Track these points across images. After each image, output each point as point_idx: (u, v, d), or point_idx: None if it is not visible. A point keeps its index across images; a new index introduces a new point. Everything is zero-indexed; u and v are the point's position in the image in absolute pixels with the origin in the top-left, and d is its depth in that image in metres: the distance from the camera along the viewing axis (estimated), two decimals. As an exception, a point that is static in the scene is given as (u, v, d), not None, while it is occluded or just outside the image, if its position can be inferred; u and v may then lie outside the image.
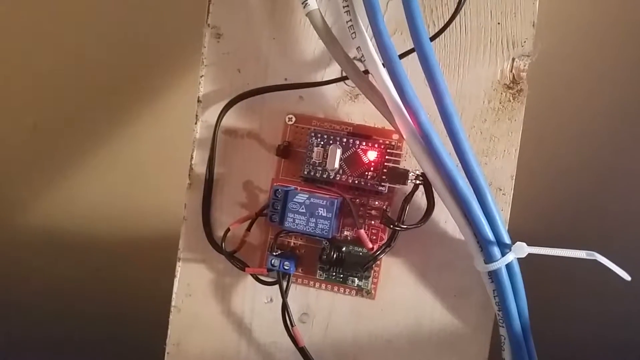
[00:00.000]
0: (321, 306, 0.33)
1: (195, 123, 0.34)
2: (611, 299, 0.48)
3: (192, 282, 0.34)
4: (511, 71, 0.31)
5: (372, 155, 0.30)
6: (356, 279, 0.32)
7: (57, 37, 0.56)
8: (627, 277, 0.26)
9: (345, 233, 0.32)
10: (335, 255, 0.31)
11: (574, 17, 0.47)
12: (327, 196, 0.30)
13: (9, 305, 0.58)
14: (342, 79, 0.32)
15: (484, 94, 0.31)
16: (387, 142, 0.31)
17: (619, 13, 0.46)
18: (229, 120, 0.33)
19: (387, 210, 0.31)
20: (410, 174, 0.29)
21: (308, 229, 0.30)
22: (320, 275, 0.32)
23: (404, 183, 0.29)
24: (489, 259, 0.28)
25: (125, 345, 0.56)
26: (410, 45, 0.28)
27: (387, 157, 0.30)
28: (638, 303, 0.49)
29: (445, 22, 0.30)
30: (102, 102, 0.56)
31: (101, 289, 0.57)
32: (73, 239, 0.58)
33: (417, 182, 0.29)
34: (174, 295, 0.34)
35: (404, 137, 0.28)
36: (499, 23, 0.31)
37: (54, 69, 0.57)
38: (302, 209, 0.30)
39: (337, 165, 0.30)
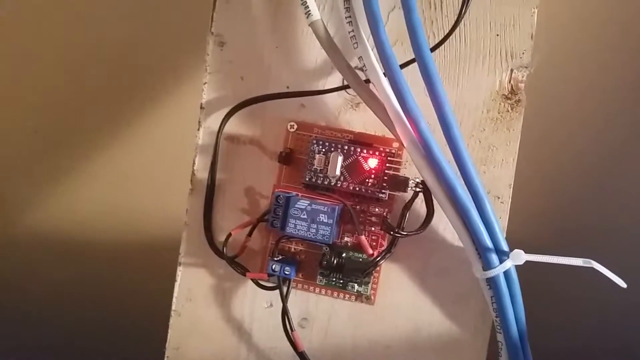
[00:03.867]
0: (321, 311, 0.33)
1: (198, 129, 0.34)
2: (608, 306, 0.49)
3: (192, 286, 0.34)
4: (509, 82, 0.32)
5: (372, 162, 0.31)
6: (356, 284, 0.32)
7: (59, 42, 0.56)
8: (623, 285, 0.27)
9: (346, 239, 0.32)
10: (335, 261, 0.31)
11: (572, 29, 0.47)
12: (328, 203, 0.31)
13: (7, 309, 0.58)
14: (343, 87, 0.32)
15: (483, 104, 0.32)
16: (388, 150, 0.31)
17: (616, 25, 0.47)
18: (232, 127, 0.34)
19: (387, 217, 0.32)
20: (410, 182, 0.30)
21: (309, 234, 0.31)
22: (321, 280, 0.32)
23: (404, 190, 0.30)
24: (487, 266, 0.29)
25: (125, 349, 0.56)
26: (410, 55, 0.29)
27: (387, 164, 0.31)
28: (635, 310, 0.49)
29: (446, 33, 0.31)
30: (104, 107, 0.56)
31: (101, 293, 0.57)
32: (74, 244, 0.58)
33: (417, 189, 0.30)
34: (174, 300, 0.34)
35: (404, 145, 0.29)
36: (497, 35, 0.31)
37: (55, 74, 0.57)
38: (304, 215, 0.31)
39: (338, 172, 0.31)
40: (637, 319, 0.50)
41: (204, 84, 0.34)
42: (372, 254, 0.31)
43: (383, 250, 0.31)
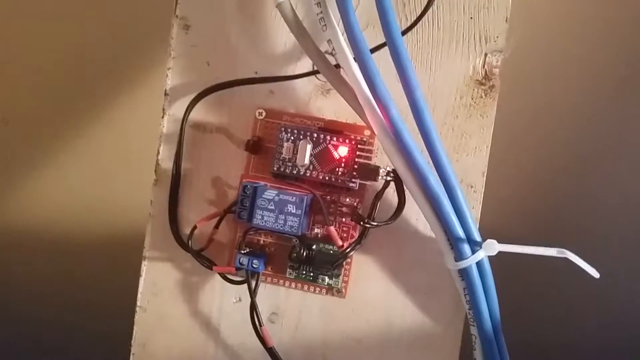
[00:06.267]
0: (291, 305, 0.32)
1: (162, 117, 0.33)
2: (583, 295, 0.49)
3: (158, 281, 0.33)
4: (483, 67, 0.31)
5: (343, 151, 0.30)
6: (326, 277, 0.31)
7: (25, 33, 0.55)
8: (596, 275, 0.26)
9: (316, 230, 0.31)
10: (305, 253, 0.30)
11: (547, 12, 0.47)
12: (297, 192, 0.30)
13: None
14: (313, 72, 0.31)
15: (456, 89, 0.31)
16: (359, 138, 0.30)
17: (592, 8, 0.47)
18: (197, 114, 0.32)
19: (358, 207, 0.31)
20: (381, 171, 0.29)
21: (277, 226, 0.29)
22: (290, 274, 0.31)
23: (375, 179, 0.29)
24: (459, 256, 0.28)
25: (91, 346, 0.55)
26: (382, 39, 0.28)
27: (358, 153, 0.30)
28: (609, 300, 0.49)
29: (418, 16, 0.30)
30: (70, 97, 0.55)
31: (68, 287, 0.56)
32: (39, 237, 0.56)
33: (388, 178, 0.29)
34: (139, 295, 0.33)
35: (375, 132, 0.28)
36: (471, 18, 0.31)
37: (22, 65, 0.55)
38: (271, 205, 0.29)
39: (307, 161, 0.30)
40: (612, 310, 0.50)
41: (168, 69, 0.33)
42: (342, 246, 0.30)
43: (353, 242, 0.30)
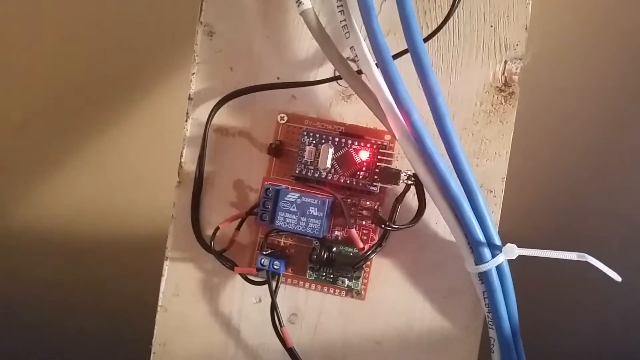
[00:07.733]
0: (311, 307, 0.33)
1: (186, 121, 0.33)
2: (602, 301, 0.49)
3: (179, 281, 0.34)
4: (503, 74, 0.31)
5: (364, 155, 0.30)
6: (346, 279, 0.31)
7: (46, 35, 0.55)
8: (618, 278, 0.26)
9: (336, 233, 0.32)
10: (325, 255, 0.31)
11: (566, 20, 0.47)
12: (319, 195, 0.30)
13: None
14: (335, 78, 0.32)
15: (476, 96, 0.31)
16: (379, 143, 0.31)
17: (610, 18, 0.47)
18: (220, 118, 0.33)
19: (379, 210, 0.31)
20: (402, 175, 0.29)
21: (299, 228, 0.30)
22: (310, 275, 0.32)
23: (396, 183, 0.29)
24: (479, 260, 0.28)
25: (112, 345, 0.55)
26: (403, 46, 0.28)
27: (379, 157, 0.30)
28: (630, 305, 0.49)
29: (439, 24, 0.31)
30: (91, 99, 0.56)
31: (89, 288, 0.56)
32: (61, 239, 0.57)
33: (409, 182, 0.29)
34: (161, 295, 0.34)
35: (396, 137, 0.28)
36: (491, 26, 0.31)
37: (42, 68, 0.56)
38: (293, 208, 0.30)
39: (329, 164, 0.30)
40: (634, 316, 0.50)
41: (193, 74, 0.33)
42: (363, 248, 0.30)
43: (374, 244, 0.30)
